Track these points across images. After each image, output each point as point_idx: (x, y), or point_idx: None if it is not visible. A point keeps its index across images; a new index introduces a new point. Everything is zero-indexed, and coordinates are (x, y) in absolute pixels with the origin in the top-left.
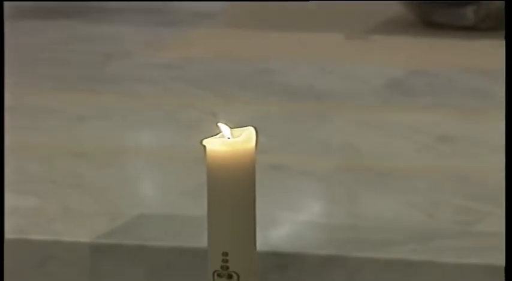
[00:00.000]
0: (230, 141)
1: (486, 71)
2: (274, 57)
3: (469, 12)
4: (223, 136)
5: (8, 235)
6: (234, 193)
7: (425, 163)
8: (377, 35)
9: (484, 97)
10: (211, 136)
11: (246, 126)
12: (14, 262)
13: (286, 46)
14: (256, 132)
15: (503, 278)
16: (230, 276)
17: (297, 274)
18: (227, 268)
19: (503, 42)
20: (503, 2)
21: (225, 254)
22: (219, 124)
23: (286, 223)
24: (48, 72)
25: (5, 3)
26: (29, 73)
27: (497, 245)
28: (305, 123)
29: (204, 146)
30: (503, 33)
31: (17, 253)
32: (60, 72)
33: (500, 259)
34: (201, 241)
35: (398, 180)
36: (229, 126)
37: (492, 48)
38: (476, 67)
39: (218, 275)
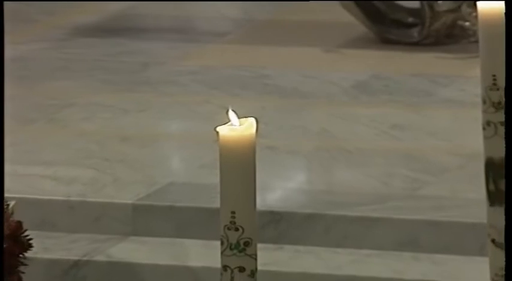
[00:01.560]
0: (237, 128)
1: (427, 75)
2: (269, 65)
3: (415, 32)
4: (232, 124)
5: (72, 197)
6: (239, 166)
7: (382, 145)
8: (346, 49)
9: (425, 95)
10: (223, 124)
11: (248, 117)
12: (75, 218)
13: (278, 57)
14: (256, 121)
15: (442, 230)
16: (237, 229)
17: (286, 227)
18: (234, 223)
19: (441, 54)
20: (440, 24)
21: (233, 212)
22: (229, 115)
23: (278, 189)
24: (102, 77)
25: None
26: (88, 77)
27: (436, 205)
28: (292, 115)
29: (217, 132)
30: (440, 47)
31: (78, 212)
32: (111, 77)
33: (438, 216)
34: (215, 202)
35: (361, 157)
36: (236, 117)
37: (432, 59)
38: (420, 73)
39: (228, 228)
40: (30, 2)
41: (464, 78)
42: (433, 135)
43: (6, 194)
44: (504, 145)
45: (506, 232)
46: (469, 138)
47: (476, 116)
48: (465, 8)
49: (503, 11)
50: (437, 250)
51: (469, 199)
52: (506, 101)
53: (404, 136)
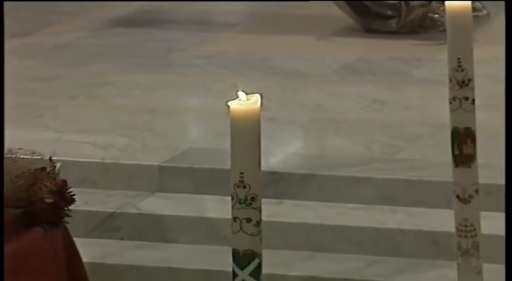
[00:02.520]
0: (244, 102)
1: (403, 59)
2: (272, 51)
3: (393, 23)
4: (240, 99)
5: (107, 160)
6: (247, 134)
7: (365, 116)
8: (336, 37)
9: (402, 75)
10: (233, 100)
11: (254, 93)
12: (110, 177)
13: (280, 44)
14: (261, 97)
15: (415, 188)
16: (244, 187)
17: (285, 186)
18: (243, 181)
19: (415, 41)
20: (414, 16)
21: (241, 173)
22: (238, 92)
23: (278, 153)
24: (133, 60)
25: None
26: (121, 61)
27: (410, 166)
28: (290, 92)
29: (228, 106)
30: (414, 35)
31: (112, 172)
32: (140, 60)
33: (412, 175)
34: (227, 164)
35: (348, 126)
36: (244, 94)
37: (407, 45)
38: (397, 57)
39: (237, 186)
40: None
41: (434, 61)
42: (408, 108)
43: (54, 157)
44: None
45: (506, 231)
46: (438, 111)
47: (443, 93)
48: (435, 3)
49: (467, 5)
50: (412, 204)
51: (438, 161)
52: (506, 101)
53: (384, 109)
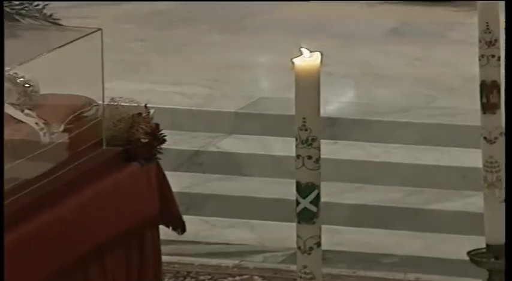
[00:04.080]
0: (307, 59)
1: (440, 23)
2: (330, 16)
3: None
4: (303, 57)
5: (193, 107)
6: (308, 86)
7: (407, 71)
8: (383, 4)
9: (438, 37)
10: (298, 57)
11: (315, 51)
12: (195, 121)
13: (336, 11)
14: (321, 55)
15: (448, 131)
16: (306, 129)
17: (339, 129)
18: (305, 125)
19: (450, 8)
20: None
21: (304, 118)
22: (302, 50)
23: (334, 102)
24: (214, 24)
25: None
26: (205, 24)
27: (444, 113)
28: (345, 50)
29: (293, 62)
30: (450, 3)
31: (197, 117)
32: (220, 24)
33: (445, 120)
34: (292, 111)
35: (393, 80)
36: (307, 51)
37: (444, 11)
38: (435, 21)
39: (300, 129)
40: None
41: (466, 24)
42: (443, 64)
43: (148, 105)
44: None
45: (506, 230)
46: (469, 66)
47: (474, 51)
48: None
49: None
50: (445, 144)
51: (468, 108)
52: (506, 102)
53: (423, 65)
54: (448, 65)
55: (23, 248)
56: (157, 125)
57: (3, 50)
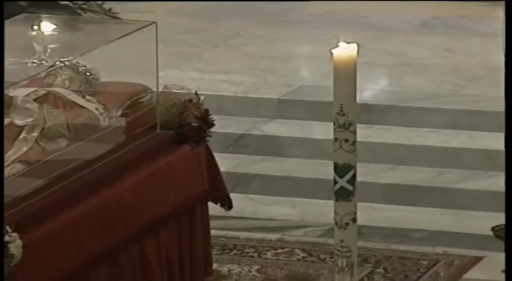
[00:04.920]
0: (344, 50)
1: (468, 16)
2: (365, 10)
3: None
4: (341, 47)
5: (239, 94)
6: (346, 74)
7: (437, 61)
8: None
9: (465, 29)
10: (336, 47)
11: (352, 43)
12: (241, 107)
13: (371, 5)
14: (357, 46)
15: (476, 116)
16: (343, 115)
17: (374, 114)
18: (342, 111)
19: (476, 2)
20: None
21: (341, 104)
22: (340, 42)
23: (369, 89)
24: (259, 17)
25: None
26: (250, 18)
27: (471, 100)
28: (380, 42)
29: (332, 53)
30: None
31: (243, 103)
32: (264, 17)
33: (471, 106)
34: (330, 97)
35: (424, 69)
36: (345, 42)
37: (470, 5)
38: (463, 15)
39: (338, 114)
40: None
41: (491, 18)
42: (470, 55)
43: (198, 92)
44: None
45: (506, 230)
46: (493, 57)
47: (497, 43)
48: None
49: None
50: (472, 128)
51: (492, 95)
52: (506, 102)
53: (451, 56)
54: (474, 55)
55: (84, 222)
56: (206, 110)
57: (3, 50)
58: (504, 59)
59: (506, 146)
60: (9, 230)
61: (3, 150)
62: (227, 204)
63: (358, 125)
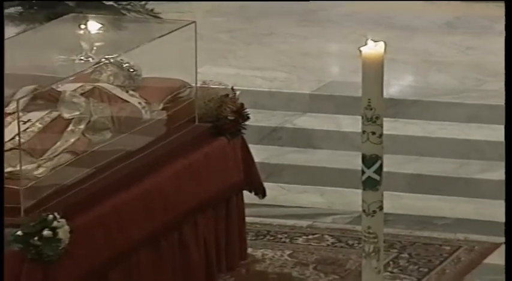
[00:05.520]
0: (372, 48)
1: (489, 16)
2: (392, 11)
3: None
4: (369, 46)
5: (273, 89)
6: (373, 71)
7: (460, 58)
8: (439, 2)
9: (487, 28)
10: (364, 46)
11: (379, 41)
12: (275, 101)
13: (397, 6)
14: (385, 44)
15: (497, 111)
16: (371, 109)
17: (400, 108)
18: (370, 105)
19: (497, 3)
20: None
21: (369, 99)
22: (368, 40)
23: (395, 85)
24: (292, 18)
25: None
26: (283, 17)
27: (492, 94)
28: (405, 40)
29: (360, 50)
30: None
31: (276, 98)
32: (295, 17)
33: (493, 101)
34: (359, 93)
35: (447, 66)
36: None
37: (491, 7)
38: (484, 15)
39: (366, 108)
40: None
41: None
42: (491, 52)
43: (234, 87)
44: None
45: (506, 230)
46: None
47: None
48: None
49: None
50: (493, 122)
51: None
52: (506, 102)
53: (473, 53)
54: (494, 53)
55: (127, 209)
56: (242, 104)
57: (3, 50)
58: (505, 59)
59: (506, 145)
60: (58, 216)
61: (3, 149)
62: (261, 193)
63: (384, 119)
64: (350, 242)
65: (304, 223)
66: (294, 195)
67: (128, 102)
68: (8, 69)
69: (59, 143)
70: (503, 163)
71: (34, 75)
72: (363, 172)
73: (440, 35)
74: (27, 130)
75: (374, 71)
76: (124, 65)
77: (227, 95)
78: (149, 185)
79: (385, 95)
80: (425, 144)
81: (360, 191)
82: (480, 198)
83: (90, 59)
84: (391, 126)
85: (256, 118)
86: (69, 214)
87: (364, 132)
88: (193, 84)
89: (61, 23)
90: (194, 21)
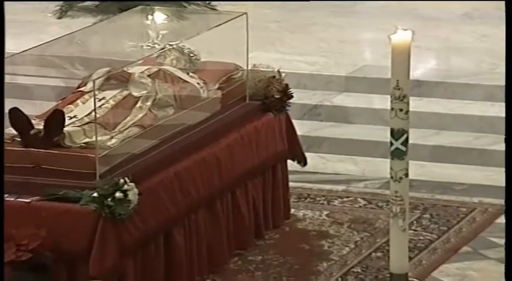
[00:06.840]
0: (401, 35)
1: (501, 8)
2: (416, 3)
3: None
4: (398, 34)
5: (313, 72)
6: (401, 56)
7: (477, 45)
8: None
9: (502, 19)
10: (394, 34)
11: (407, 30)
12: (315, 82)
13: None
14: (412, 33)
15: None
16: (399, 89)
17: (424, 88)
18: (398, 86)
19: None
20: None
21: (397, 80)
22: (397, 29)
23: (420, 68)
24: (330, 9)
25: None
26: (324, 9)
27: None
28: (429, 29)
29: (390, 38)
30: None
31: (316, 79)
32: (335, 9)
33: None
34: (388, 75)
35: (466, 52)
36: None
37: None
38: (499, 6)
39: (394, 88)
40: None
41: None
42: (504, 40)
43: (281, 70)
44: None
45: (506, 230)
46: None
47: None
48: None
49: None
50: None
51: None
52: (506, 101)
53: (489, 41)
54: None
55: (188, 175)
56: (286, 85)
57: (3, 50)
58: (505, 58)
59: (506, 146)
60: (128, 180)
61: (3, 150)
62: (302, 161)
63: (410, 98)
64: (379, 204)
65: (339, 187)
66: (331, 164)
67: (188, 82)
68: (86, 53)
69: (128, 118)
70: None
71: (108, 59)
72: (391, 144)
73: (460, 25)
74: (102, 106)
75: (402, 56)
76: (185, 51)
77: (274, 77)
78: (206, 154)
79: (411, 77)
80: (446, 120)
81: (388, 160)
82: (492, 167)
83: (156, 45)
84: (416, 104)
85: (299, 97)
86: (138, 178)
87: (392, 109)
88: (245, 68)
89: (131, 14)
90: (246, 13)
